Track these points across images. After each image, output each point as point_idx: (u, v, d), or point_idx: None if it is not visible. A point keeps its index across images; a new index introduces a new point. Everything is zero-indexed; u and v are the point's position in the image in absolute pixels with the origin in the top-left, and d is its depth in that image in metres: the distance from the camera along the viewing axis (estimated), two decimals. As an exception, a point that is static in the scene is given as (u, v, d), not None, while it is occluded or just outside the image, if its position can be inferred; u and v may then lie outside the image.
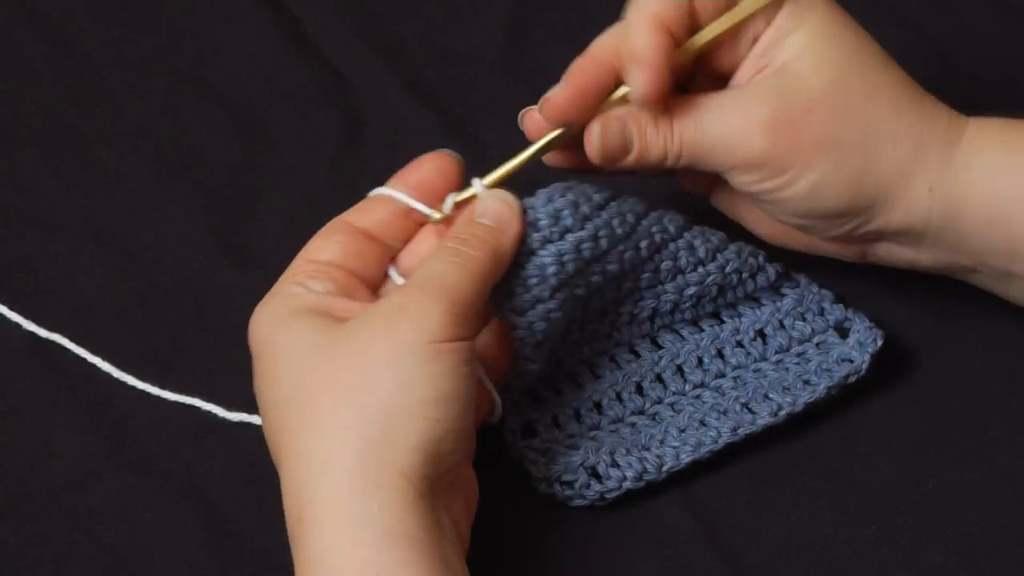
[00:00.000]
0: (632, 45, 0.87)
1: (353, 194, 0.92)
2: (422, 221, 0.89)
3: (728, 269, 0.93)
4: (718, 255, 0.93)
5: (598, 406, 0.93)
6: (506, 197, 0.88)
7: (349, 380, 0.81)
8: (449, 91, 1.09)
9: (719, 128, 0.88)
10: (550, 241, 0.88)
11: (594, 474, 0.90)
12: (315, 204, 1.03)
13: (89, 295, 0.99)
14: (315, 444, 0.80)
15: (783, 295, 0.95)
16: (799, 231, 0.92)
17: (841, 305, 0.95)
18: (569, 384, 0.93)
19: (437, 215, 0.89)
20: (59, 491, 0.92)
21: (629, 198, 0.91)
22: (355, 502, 0.78)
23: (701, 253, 0.92)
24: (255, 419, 0.94)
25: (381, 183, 0.90)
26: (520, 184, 0.89)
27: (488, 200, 0.88)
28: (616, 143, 0.89)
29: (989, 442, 0.93)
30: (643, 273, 0.92)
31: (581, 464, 0.90)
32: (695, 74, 0.91)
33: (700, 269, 0.93)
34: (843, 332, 0.94)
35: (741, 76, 0.90)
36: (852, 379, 0.93)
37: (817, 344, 0.94)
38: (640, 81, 0.87)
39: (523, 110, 0.90)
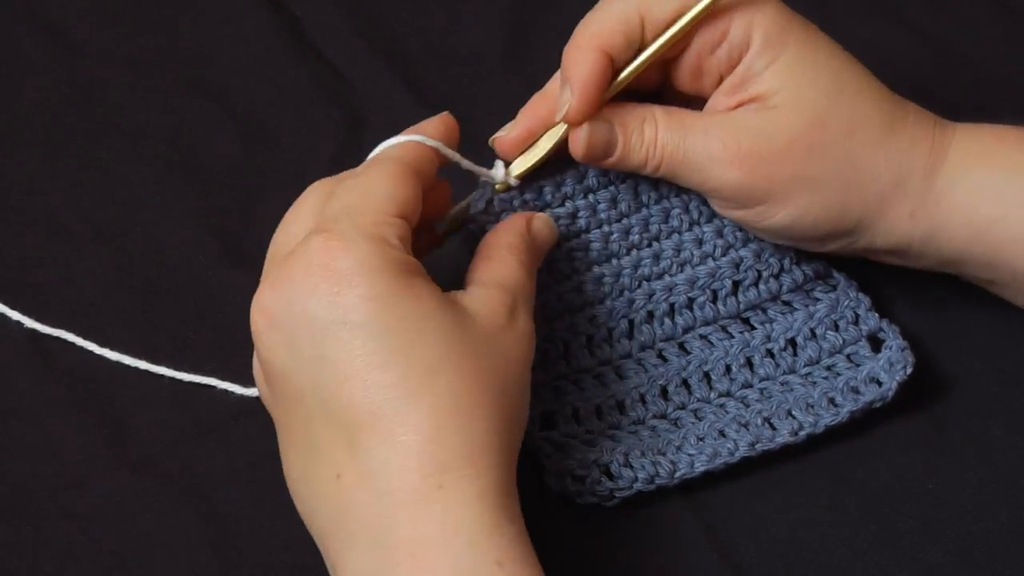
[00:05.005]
0: (566, 66, 0.89)
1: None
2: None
3: (743, 267, 0.93)
4: (731, 251, 0.93)
5: (621, 406, 0.93)
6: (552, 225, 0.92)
7: (494, 382, 0.83)
8: (449, 91, 1.09)
9: (700, 152, 0.89)
10: None
11: (606, 473, 0.90)
12: (315, 204, 1.03)
13: (89, 295, 0.99)
14: (469, 422, 0.81)
15: (817, 299, 0.95)
16: None
17: (876, 314, 0.94)
18: (592, 381, 0.93)
19: (497, 174, 0.91)
20: (59, 491, 0.92)
21: (640, 187, 0.93)
22: (505, 482, 0.82)
23: (709, 248, 0.93)
24: None
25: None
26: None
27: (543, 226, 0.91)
28: (600, 144, 0.90)
29: (989, 442, 0.93)
30: (642, 259, 0.92)
31: (595, 461, 0.90)
32: (663, 91, 0.93)
33: (710, 263, 0.93)
34: (876, 342, 0.94)
35: (719, 102, 0.90)
36: (877, 405, 0.92)
37: (848, 356, 0.93)
38: (569, 105, 0.89)
39: (492, 137, 0.92)
